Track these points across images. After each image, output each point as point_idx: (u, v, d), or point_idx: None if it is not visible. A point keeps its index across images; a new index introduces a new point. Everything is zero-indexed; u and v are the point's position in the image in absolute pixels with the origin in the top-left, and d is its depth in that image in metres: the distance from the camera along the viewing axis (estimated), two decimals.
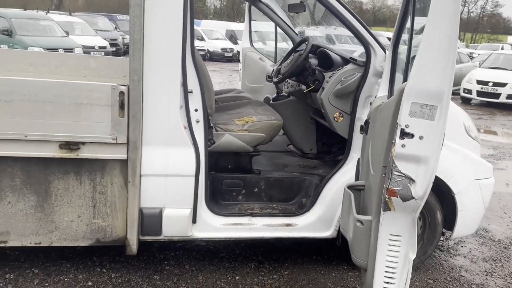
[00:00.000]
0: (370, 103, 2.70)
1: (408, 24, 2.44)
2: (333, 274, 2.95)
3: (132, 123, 2.40)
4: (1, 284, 2.57)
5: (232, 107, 3.24)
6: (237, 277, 2.84)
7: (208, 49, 21.70)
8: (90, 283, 2.65)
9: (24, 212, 2.49)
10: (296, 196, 3.02)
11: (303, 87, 3.19)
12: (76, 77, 3.97)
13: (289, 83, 3.53)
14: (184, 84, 2.49)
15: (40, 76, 3.85)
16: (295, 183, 3.02)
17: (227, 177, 2.95)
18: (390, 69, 2.52)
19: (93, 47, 15.39)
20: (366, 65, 2.72)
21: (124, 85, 2.36)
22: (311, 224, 2.81)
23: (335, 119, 2.84)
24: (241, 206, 2.93)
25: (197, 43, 22.87)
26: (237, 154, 2.97)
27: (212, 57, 21.40)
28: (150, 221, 2.58)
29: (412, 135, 1.69)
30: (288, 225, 2.82)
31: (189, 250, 3.14)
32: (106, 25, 21.02)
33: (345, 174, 2.81)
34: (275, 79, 3.26)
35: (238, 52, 24.50)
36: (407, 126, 1.68)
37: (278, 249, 3.21)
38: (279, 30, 4.62)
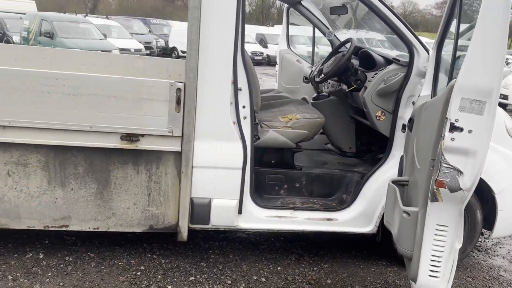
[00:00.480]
0: (413, 103, 2.78)
1: (452, 27, 2.52)
2: (372, 269, 3.03)
3: (187, 117, 2.57)
4: (62, 265, 2.78)
5: (274, 105, 3.38)
6: (279, 268, 2.97)
7: None
8: (142, 268, 2.83)
9: (85, 199, 2.70)
10: (336, 192, 3.12)
11: (344, 86, 3.30)
12: (124, 75, 4.22)
13: (329, 83, 3.63)
14: (235, 82, 2.65)
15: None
16: (335, 180, 3.12)
17: (270, 171, 3.08)
18: (433, 70, 2.59)
19: (129, 50, 15.88)
20: (409, 65, 2.80)
21: (181, 82, 2.54)
22: (352, 219, 2.91)
23: (377, 117, 2.93)
24: (283, 200, 3.05)
25: None
26: (280, 150, 3.10)
27: None
28: (200, 210, 2.74)
29: (461, 129, 1.77)
30: (329, 219, 2.92)
31: (231, 241, 3.29)
32: (141, 29, 21.67)
33: (386, 172, 2.89)
34: (317, 79, 3.37)
35: (268, 55, 24.37)
36: (456, 120, 1.77)
37: (316, 244, 3.31)
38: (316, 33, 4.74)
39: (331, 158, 3.51)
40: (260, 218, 2.87)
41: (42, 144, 2.55)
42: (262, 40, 25.13)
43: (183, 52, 21.57)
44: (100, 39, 14.66)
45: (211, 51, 2.55)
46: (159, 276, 2.75)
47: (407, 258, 2.08)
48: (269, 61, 23.37)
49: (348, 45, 3.16)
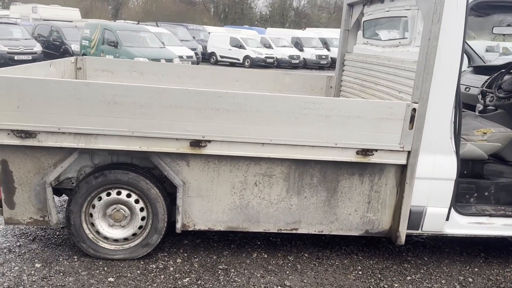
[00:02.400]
0: None
1: None
2: None
3: (417, 134, 2.88)
4: (289, 264, 3.11)
5: None
6: (476, 269, 3.25)
7: (276, 57, 22.10)
8: (359, 267, 3.15)
9: (315, 206, 3.04)
10: None
11: None
12: (272, 91, 4.57)
13: (492, 97, 3.90)
14: (456, 100, 2.94)
15: (245, 90, 4.47)
16: None
17: (462, 181, 3.36)
18: None
19: (181, 57, 16.28)
20: None
21: (416, 103, 2.85)
22: None
23: None
24: (475, 207, 3.33)
25: (265, 51, 22.73)
26: (473, 161, 3.38)
27: (279, 64, 21.79)
28: (415, 217, 3.05)
29: None
30: None
31: (412, 244, 3.58)
32: (185, 35, 22.13)
33: None
34: (499, 94, 3.66)
35: (304, 59, 24.03)
36: None
37: (492, 247, 3.58)
38: None
39: (500, 168, 3.77)
40: (463, 225, 3.16)
41: (286, 158, 2.89)
42: (298, 44, 25.34)
43: (221, 57, 21.95)
44: (160, 48, 15.15)
45: (442, 75, 2.85)
46: (379, 275, 3.06)
47: None
48: (305, 64, 23.60)
49: None
